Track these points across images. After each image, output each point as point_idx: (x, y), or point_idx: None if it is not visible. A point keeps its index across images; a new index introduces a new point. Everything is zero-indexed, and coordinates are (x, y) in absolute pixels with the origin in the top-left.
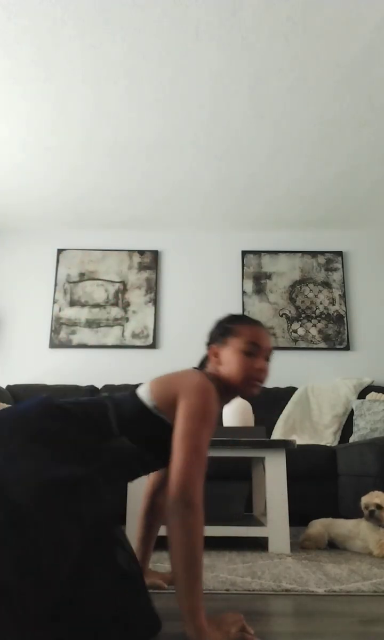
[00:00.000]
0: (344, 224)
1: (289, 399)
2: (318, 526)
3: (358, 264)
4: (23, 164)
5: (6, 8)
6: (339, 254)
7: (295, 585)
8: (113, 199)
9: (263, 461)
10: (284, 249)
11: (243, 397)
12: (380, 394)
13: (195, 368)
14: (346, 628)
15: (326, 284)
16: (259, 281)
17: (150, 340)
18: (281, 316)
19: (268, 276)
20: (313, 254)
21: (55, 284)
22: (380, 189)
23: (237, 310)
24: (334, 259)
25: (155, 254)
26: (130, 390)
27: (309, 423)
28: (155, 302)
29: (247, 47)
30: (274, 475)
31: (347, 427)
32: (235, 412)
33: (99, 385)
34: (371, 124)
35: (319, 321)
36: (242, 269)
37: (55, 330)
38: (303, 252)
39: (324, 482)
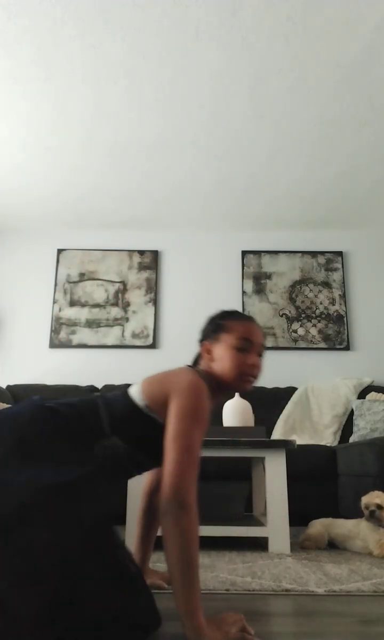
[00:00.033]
0: (344, 224)
1: (289, 399)
2: (318, 526)
3: (358, 264)
4: (23, 164)
5: (6, 8)
6: (339, 254)
7: (295, 585)
8: (113, 199)
9: (263, 461)
10: (284, 249)
11: (237, 392)
12: (380, 394)
13: (189, 366)
14: (346, 628)
15: (326, 284)
16: (259, 281)
17: (150, 340)
18: (281, 316)
19: (268, 276)
20: (313, 254)
21: (55, 284)
22: (380, 189)
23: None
24: (334, 259)
25: (155, 254)
26: (122, 389)
27: (309, 423)
28: (155, 302)
29: (247, 47)
30: (274, 475)
31: (347, 427)
32: (235, 412)
33: (99, 385)
34: (371, 124)
35: (319, 321)
36: (242, 269)
37: (55, 330)
38: (303, 252)
39: (324, 482)
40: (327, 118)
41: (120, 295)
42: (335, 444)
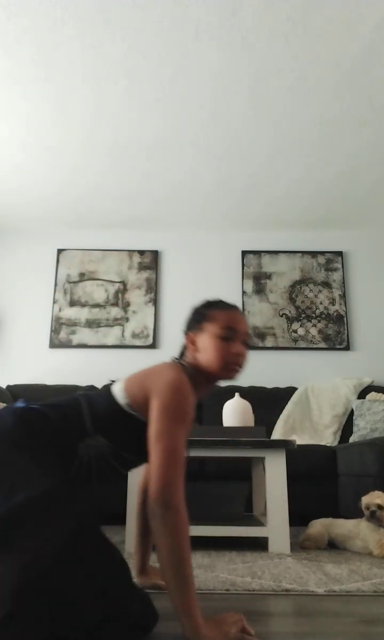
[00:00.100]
0: (344, 224)
1: (289, 399)
2: (318, 526)
3: (358, 264)
4: (23, 164)
5: (6, 8)
6: (339, 254)
7: (295, 585)
8: (113, 199)
9: (263, 461)
10: (284, 249)
11: (223, 381)
12: (380, 394)
13: (175, 358)
14: (346, 628)
15: (326, 284)
16: (259, 281)
17: (150, 340)
18: (281, 316)
19: (268, 276)
20: (313, 254)
21: (55, 284)
22: (380, 189)
23: None
24: (334, 259)
25: (155, 254)
26: (105, 387)
27: (309, 423)
28: (155, 302)
29: (247, 47)
30: (274, 475)
31: (347, 427)
32: (235, 412)
33: (99, 385)
34: (371, 124)
35: (319, 321)
36: (242, 269)
37: (55, 330)
38: (303, 252)
39: (324, 482)
40: (327, 118)
41: (120, 295)
42: (335, 444)
